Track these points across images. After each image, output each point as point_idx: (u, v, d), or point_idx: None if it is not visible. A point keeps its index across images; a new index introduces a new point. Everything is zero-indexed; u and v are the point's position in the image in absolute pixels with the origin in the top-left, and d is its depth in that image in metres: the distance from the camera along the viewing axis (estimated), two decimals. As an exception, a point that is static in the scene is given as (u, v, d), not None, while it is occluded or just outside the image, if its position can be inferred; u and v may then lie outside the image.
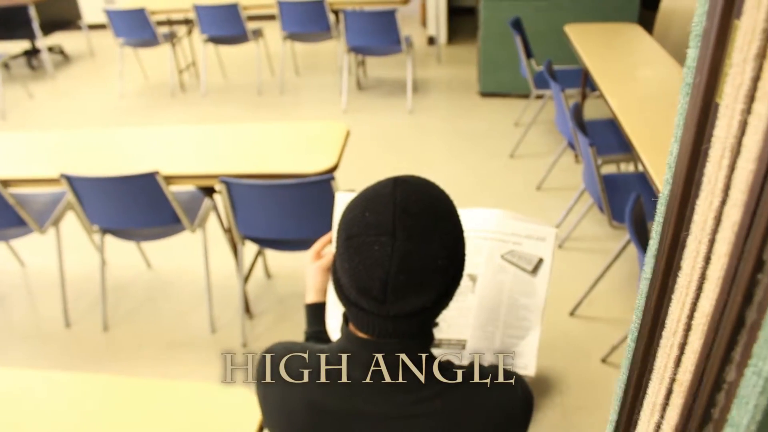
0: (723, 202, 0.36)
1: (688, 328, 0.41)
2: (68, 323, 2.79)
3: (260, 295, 2.90)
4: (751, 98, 0.33)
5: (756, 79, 0.32)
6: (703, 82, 0.37)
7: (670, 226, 0.42)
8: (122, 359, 2.58)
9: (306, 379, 1.00)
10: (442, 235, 0.90)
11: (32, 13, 5.80)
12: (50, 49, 6.88)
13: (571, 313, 2.65)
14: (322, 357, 1.01)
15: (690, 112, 0.39)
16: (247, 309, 2.76)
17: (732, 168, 0.35)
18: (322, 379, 0.98)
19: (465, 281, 1.40)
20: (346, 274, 0.90)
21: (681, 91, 0.40)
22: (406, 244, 0.86)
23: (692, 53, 0.39)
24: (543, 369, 2.43)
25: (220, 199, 2.43)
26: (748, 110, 0.33)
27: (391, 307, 0.88)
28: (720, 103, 0.36)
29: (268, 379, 1.05)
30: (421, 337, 0.96)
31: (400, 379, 0.95)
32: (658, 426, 0.46)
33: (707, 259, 0.38)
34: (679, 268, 0.42)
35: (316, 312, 1.31)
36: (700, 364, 0.40)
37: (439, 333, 1.33)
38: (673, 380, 0.44)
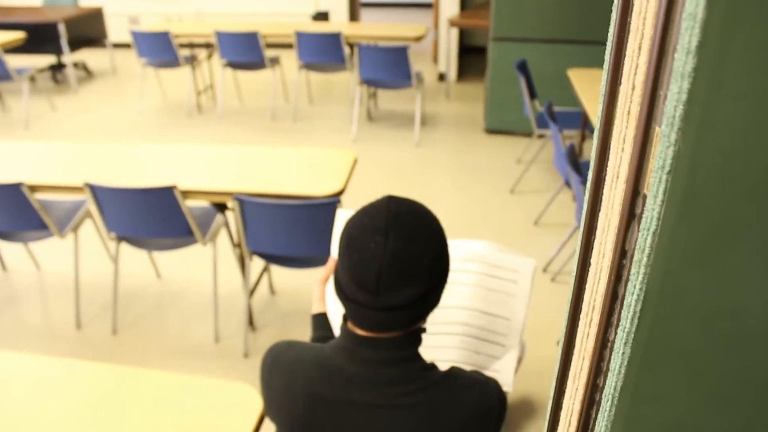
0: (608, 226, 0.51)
1: (593, 309, 0.56)
2: (79, 325, 2.93)
3: (264, 310, 3.04)
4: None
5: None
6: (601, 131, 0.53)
7: (583, 246, 0.57)
8: (128, 362, 2.71)
9: (307, 371, 1.13)
10: (428, 239, 1.06)
11: (61, 29, 6.05)
12: (75, 65, 7.14)
13: (559, 343, 2.77)
14: (323, 352, 1.15)
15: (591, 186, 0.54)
16: (251, 322, 2.90)
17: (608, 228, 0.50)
18: (322, 372, 1.12)
19: (451, 306, 1.54)
20: (346, 271, 1.05)
21: (594, 136, 0.55)
22: (397, 243, 1.02)
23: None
24: (530, 394, 2.54)
25: (231, 216, 2.58)
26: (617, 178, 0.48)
27: (384, 298, 1.03)
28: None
29: (273, 370, 1.19)
30: (411, 336, 1.11)
31: (391, 373, 1.09)
32: (578, 380, 0.61)
33: (602, 255, 0.53)
34: (589, 264, 0.57)
35: (321, 320, 1.46)
36: (599, 332, 0.55)
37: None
38: (585, 352, 0.59)
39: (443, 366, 1.16)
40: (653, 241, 0.43)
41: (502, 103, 5.03)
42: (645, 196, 0.44)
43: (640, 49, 0.44)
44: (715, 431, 0.50)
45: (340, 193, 2.47)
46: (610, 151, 0.51)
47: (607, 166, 0.52)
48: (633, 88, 0.45)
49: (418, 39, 5.26)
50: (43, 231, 2.80)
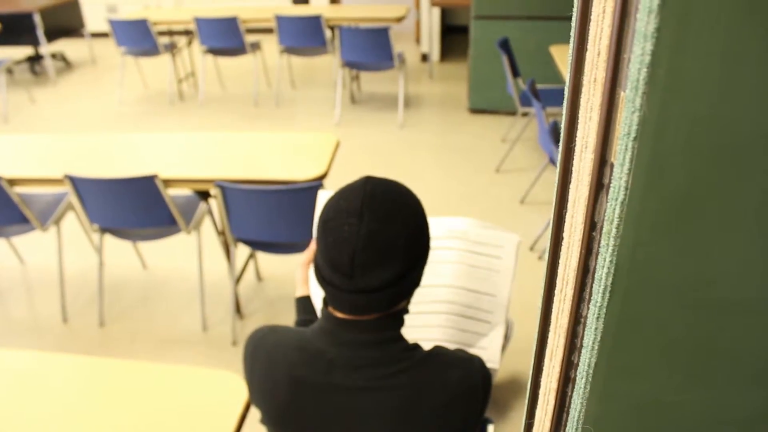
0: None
1: (566, 284, 0.55)
2: (65, 318, 2.90)
3: (251, 297, 3.03)
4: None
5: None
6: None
7: (555, 220, 0.56)
8: (116, 354, 2.69)
9: (289, 356, 1.12)
10: (405, 218, 1.04)
11: (37, 20, 5.95)
12: (53, 56, 7.03)
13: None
14: (304, 335, 1.13)
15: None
16: (238, 309, 2.88)
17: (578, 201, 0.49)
18: (303, 355, 1.11)
19: (435, 284, 1.53)
20: (322, 254, 1.03)
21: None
22: (371, 225, 1.00)
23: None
24: (518, 372, 2.55)
25: (214, 204, 2.56)
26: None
27: (359, 281, 1.01)
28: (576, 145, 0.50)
29: (255, 355, 1.17)
30: (392, 318, 1.09)
31: (372, 355, 1.07)
32: (554, 357, 0.59)
33: (573, 228, 0.52)
34: (561, 238, 0.56)
35: (304, 303, 1.44)
36: (573, 307, 0.53)
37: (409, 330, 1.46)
38: (560, 328, 0.58)
39: (428, 345, 1.15)
40: (621, 211, 0.41)
41: (485, 82, 5.00)
42: (612, 165, 0.42)
43: (604, 11, 0.42)
44: (689, 405, 0.49)
45: (323, 176, 2.44)
46: (579, 121, 0.50)
47: (576, 137, 0.51)
48: (598, 54, 0.44)
49: (400, 20, 5.21)
50: (25, 225, 2.77)
